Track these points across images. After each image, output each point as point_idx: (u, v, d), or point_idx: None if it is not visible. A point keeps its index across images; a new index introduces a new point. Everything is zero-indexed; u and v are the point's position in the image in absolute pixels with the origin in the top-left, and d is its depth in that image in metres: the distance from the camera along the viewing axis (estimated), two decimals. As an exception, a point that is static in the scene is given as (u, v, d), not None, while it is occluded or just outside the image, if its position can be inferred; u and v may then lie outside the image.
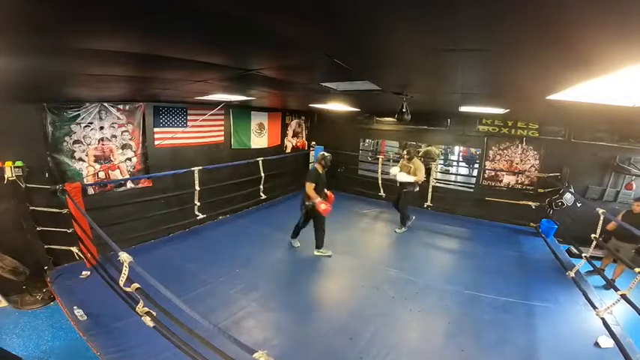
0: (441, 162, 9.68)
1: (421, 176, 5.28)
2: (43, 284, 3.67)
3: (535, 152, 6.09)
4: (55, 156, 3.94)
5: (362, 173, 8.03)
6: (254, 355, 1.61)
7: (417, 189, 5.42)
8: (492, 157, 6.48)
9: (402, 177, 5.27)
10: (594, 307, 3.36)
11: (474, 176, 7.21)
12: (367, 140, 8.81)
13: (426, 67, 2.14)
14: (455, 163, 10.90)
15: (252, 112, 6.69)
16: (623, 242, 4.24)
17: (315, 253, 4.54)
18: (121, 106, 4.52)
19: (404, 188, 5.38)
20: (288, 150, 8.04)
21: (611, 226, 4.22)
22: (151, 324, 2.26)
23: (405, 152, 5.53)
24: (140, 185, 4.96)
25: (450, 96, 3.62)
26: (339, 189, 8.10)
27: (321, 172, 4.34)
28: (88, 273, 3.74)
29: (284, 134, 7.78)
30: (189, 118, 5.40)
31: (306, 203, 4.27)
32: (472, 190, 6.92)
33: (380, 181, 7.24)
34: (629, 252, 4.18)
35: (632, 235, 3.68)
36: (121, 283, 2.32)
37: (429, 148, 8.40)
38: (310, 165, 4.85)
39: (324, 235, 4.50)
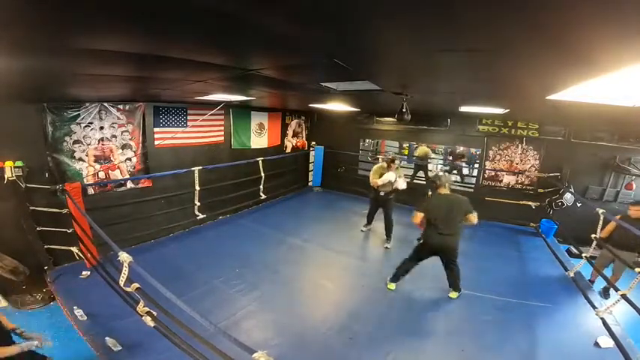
0: (441, 162, 9.67)
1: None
2: (43, 284, 3.67)
3: (535, 152, 6.09)
4: (55, 156, 3.93)
5: (362, 173, 8.03)
6: (253, 356, 1.60)
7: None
8: (492, 157, 6.48)
9: (402, 184, 4.78)
10: (594, 307, 3.36)
11: (474, 176, 7.21)
12: (367, 140, 8.80)
13: (426, 68, 2.13)
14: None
15: (252, 112, 6.69)
16: (622, 251, 3.76)
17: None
18: (121, 106, 4.52)
19: (389, 196, 4.92)
20: (288, 150, 8.04)
21: (604, 233, 3.92)
22: (151, 324, 2.26)
23: (394, 161, 4.86)
24: (140, 185, 4.96)
25: (450, 96, 3.62)
26: (340, 189, 8.13)
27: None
28: (88, 273, 3.74)
29: (284, 134, 7.78)
30: (189, 118, 5.40)
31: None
32: (472, 190, 6.92)
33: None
34: (630, 262, 3.59)
35: (634, 244, 3.44)
36: (121, 283, 2.32)
37: (424, 148, 8.45)
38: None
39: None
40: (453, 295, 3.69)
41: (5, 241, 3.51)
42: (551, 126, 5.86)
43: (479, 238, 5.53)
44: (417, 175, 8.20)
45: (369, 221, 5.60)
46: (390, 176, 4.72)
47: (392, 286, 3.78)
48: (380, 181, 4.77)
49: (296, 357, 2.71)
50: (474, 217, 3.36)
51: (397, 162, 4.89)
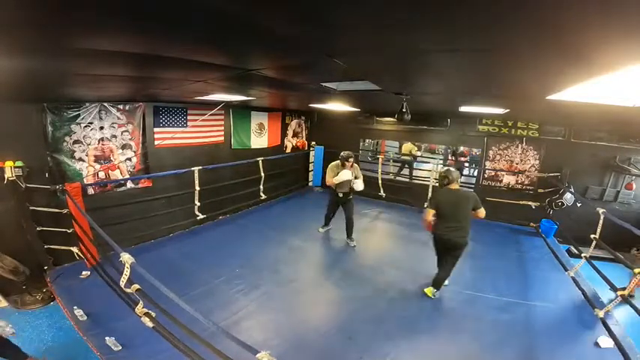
0: (441, 162, 9.69)
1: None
2: (43, 284, 3.67)
3: (535, 152, 6.09)
4: (55, 156, 3.93)
5: (362, 173, 8.03)
6: (257, 356, 1.60)
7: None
8: (492, 157, 6.48)
9: (360, 185, 4.61)
10: (594, 307, 3.36)
11: (474, 176, 7.22)
12: (367, 140, 8.81)
13: (425, 68, 2.13)
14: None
15: (252, 112, 6.68)
16: None
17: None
18: (121, 106, 4.51)
19: (348, 197, 4.80)
20: (288, 150, 8.04)
21: None
22: (150, 325, 2.26)
23: (349, 158, 4.53)
24: (140, 185, 4.96)
25: (450, 96, 3.62)
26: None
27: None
28: (88, 273, 3.74)
29: (284, 134, 7.78)
30: (189, 118, 5.40)
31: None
32: (472, 190, 6.92)
33: (380, 181, 7.25)
34: None
35: None
36: (122, 284, 2.32)
37: (409, 145, 8.47)
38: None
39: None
40: (429, 291, 3.68)
41: (5, 241, 3.52)
42: (551, 126, 5.86)
43: (479, 238, 5.51)
44: (402, 172, 8.28)
45: (327, 222, 5.39)
46: (345, 175, 4.45)
47: (429, 291, 3.69)
48: (336, 180, 4.50)
49: (296, 357, 2.71)
50: (482, 212, 3.44)
51: (352, 160, 4.54)
